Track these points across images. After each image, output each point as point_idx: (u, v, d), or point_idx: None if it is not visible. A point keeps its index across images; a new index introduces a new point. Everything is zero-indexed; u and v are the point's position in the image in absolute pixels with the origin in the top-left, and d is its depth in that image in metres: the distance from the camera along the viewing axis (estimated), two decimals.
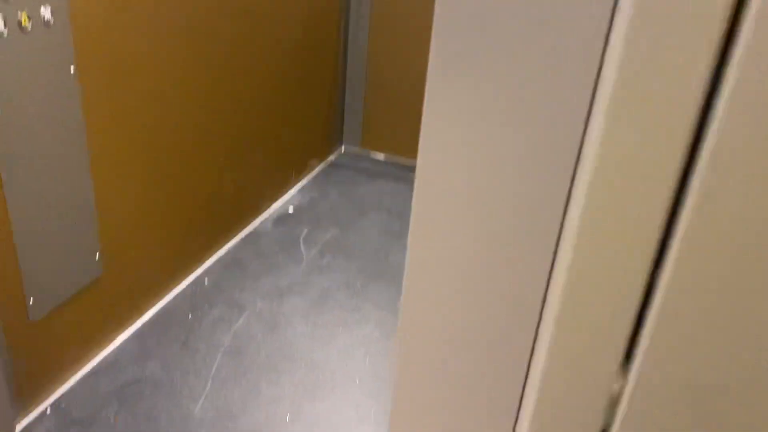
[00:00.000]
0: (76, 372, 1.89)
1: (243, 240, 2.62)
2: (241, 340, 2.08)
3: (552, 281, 0.51)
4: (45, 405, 1.78)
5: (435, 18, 0.46)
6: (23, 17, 1.40)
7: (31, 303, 1.65)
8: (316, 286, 2.38)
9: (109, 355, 1.98)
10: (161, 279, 2.23)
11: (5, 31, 1.37)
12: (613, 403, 0.52)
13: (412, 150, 3.22)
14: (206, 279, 2.37)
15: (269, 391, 1.89)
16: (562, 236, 0.49)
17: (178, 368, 1.95)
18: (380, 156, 3.38)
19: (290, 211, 2.86)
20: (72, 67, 1.58)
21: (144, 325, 2.12)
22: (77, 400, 1.81)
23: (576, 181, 0.47)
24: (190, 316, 2.17)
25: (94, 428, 1.72)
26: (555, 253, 0.50)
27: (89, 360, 1.94)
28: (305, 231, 2.71)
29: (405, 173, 3.23)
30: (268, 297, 2.30)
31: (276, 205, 2.88)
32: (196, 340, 2.07)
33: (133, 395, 1.84)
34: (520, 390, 0.57)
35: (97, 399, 1.81)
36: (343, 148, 3.44)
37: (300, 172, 3.09)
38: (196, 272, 2.40)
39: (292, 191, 3.00)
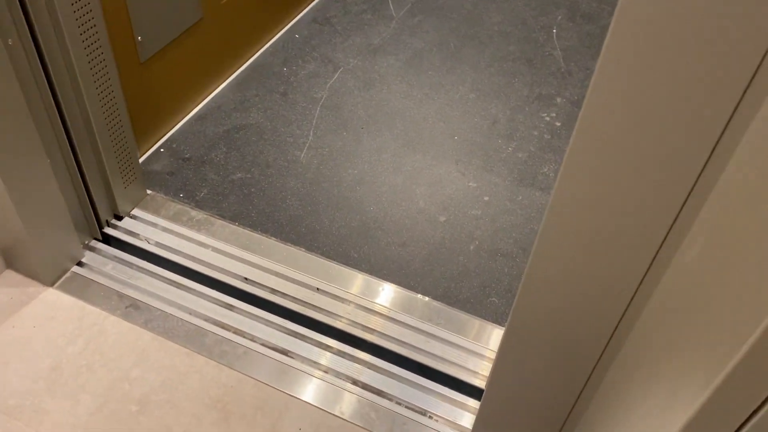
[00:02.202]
0: (183, 116, 1.93)
1: None
2: (338, 96, 2.07)
3: None
4: (158, 144, 1.85)
5: None
6: None
7: (139, 40, 1.63)
8: (408, 46, 2.29)
9: (212, 101, 2.00)
10: (255, 30, 2.17)
11: None
12: None
13: None
14: (296, 35, 2.30)
15: (370, 144, 1.91)
16: None
17: (279, 118, 1.97)
18: None
19: None
20: None
21: (241, 75, 2.11)
22: (187, 141, 1.86)
23: None
24: (285, 69, 2.14)
25: (205, 167, 1.79)
26: None
27: (194, 105, 1.97)
28: None
29: None
30: (360, 55, 2.23)
31: None
32: (294, 93, 2.06)
33: (240, 139, 1.88)
34: None
35: (206, 141, 1.87)
36: None
37: None
38: (286, 26, 2.33)
39: None
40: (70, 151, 1.40)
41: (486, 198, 1.78)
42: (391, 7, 2.48)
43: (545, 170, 1.87)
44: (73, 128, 1.37)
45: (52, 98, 1.30)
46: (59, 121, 1.34)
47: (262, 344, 1.41)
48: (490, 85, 2.16)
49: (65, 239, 1.46)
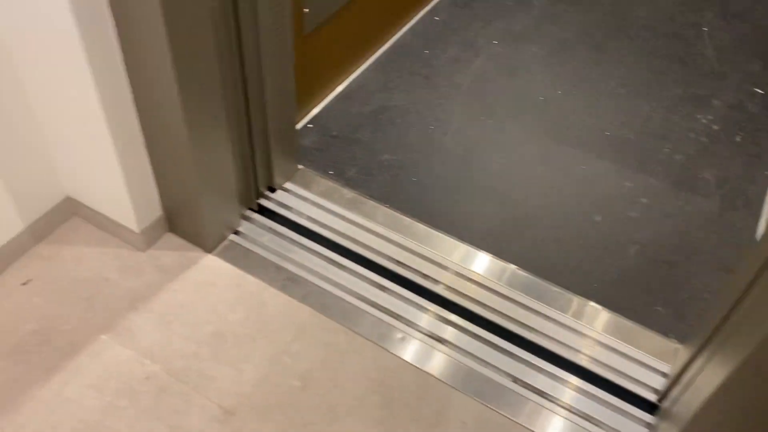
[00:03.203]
0: (329, 93, 1.91)
1: None
2: (481, 82, 2.01)
3: None
4: (306, 120, 1.83)
5: None
6: None
7: (306, 12, 1.61)
8: (551, 36, 2.21)
9: (355, 81, 1.97)
10: (397, 10, 2.13)
11: None
12: None
13: None
14: (436, 17, 2.25)
15: (515, 133, 1.85)
16: None
17: (423, 102, 1.92)
18: None
19: None
20: None
21: (383, 56, 2.07)
22: (334, 119, 1.84)
23: None
24: (426, 52, 2.10)
25: (353, 146, 1.77)
26: None
27: (339, 83, 1.94)
28: None
29: None
30: (502, 41, 2.17)
31: None
32: (437, 76, 2.01)
33: (385, 120, 1.85)
34: None
35: (352, 120, 1.84)
36: None
37: None
38: (425, 8, 2.28)
39: None
40: (246, 119, 1.39)
41: (644, 200, 1.69)
42: None
43: (705, 175, 1.76)
44: (250, 96, 1.36)
45: (239, 63, 1.29)
46: (242, 88, 1.33)
47: (418, 330, 1.38)
48: (640, 81, 2.06)
49: (228, 207, 1.46)
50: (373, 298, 1.42)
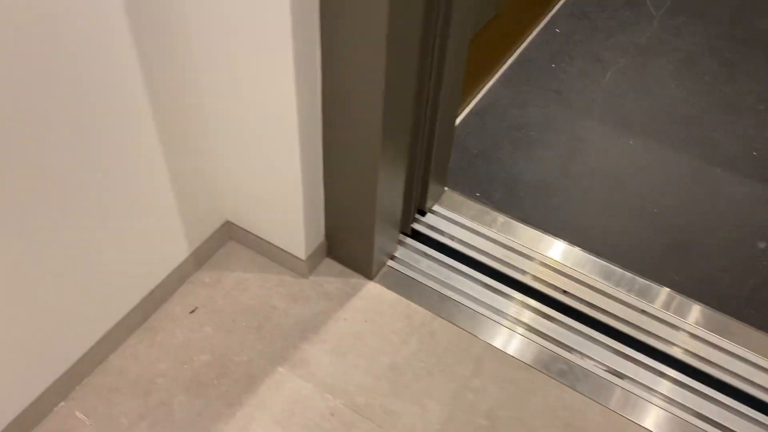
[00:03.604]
0: (465, 109, 1.86)
1: None
2: (614, 98, 1.94)
3: None
4: None
5: None
6: None
7: None
8: (677, 49, 2.13)
9: (486, 96, 1.92)
10: (520, 24, 2.08)
11: None
12: None
13: None
14: (556, 29, 2.18)
15: (660, 153, 1.78)
16: None
17: (558, 118, 1.86)
18: None
19: None
20: None
21: (509, 70, 2.01)
22: (471, 136, 1.79)
23: None
24: (553, 66, 2.03)
25: (494, 165, 1.71)
26: None
27: (473, 99, 1.89)
28: None
29: None
30: (627, 54, 2.09)
31: None
32: (568, 91, 1.95)
33: (522, 138, 1.79)
34: None
35: (489, 137, 1.79)
36: None
37: None
38: (544, 20, 2.21)
39: None
40: (422, 142, 1.34)
41: None
42: (649, 5, 2.31)
43: None
44: (427, 117, 1.31)
45: (433, 87, 1.24)
46: (427, 110, 1.28)
47: (595, 364, 1.32)
48: None
49: (390, 233, 1.42)
50: (543, 330, 1.37)
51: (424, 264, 1.47)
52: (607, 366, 1.31)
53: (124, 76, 1.01)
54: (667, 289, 1.45)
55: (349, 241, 1.39)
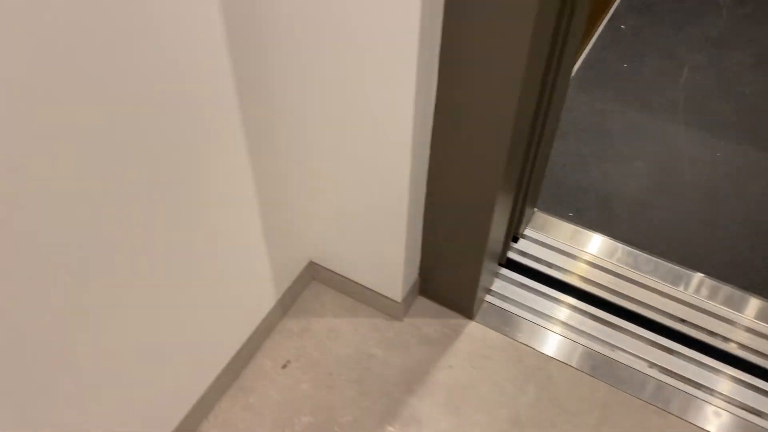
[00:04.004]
0: None
1: None
2: (697, 98, 1.80)
3: None
4: None
5: None
6: None
7: None
8: (753, 41, 1.99)
9: None
10: (588, 21, 1.94)
11: None
12: None
13: None
14: (621, 25, 2.05)
15: (756, 156, 1.65)
16: None
17: (641, 124, 1.73)
18: None
19: None
20: None
21: (579, 72, 1.88)
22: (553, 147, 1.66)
23: None
24: (625, 66, 1.90)
25: (582, 180, 1.58)
26: None
27: None
28: None
29: None
30: (702, 49, 1.96)
31: None
32: (646, 93, 1.81)
33: (608, 148, 1.66)
34: None
35: (571, 147, 1.66)
36: None
37: None
38: (606, 17, 2.08)
39: None
40: (530, 161, 1.22)
41: None
42: None
43: None
44: (538, 135, 1.19)
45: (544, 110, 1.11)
46: (540, 127, 1.16)
47: (726, 401, 1.20)
48: None
49: (489, 266, 1.30)
50: (664, 364, 1.25)
51: (525, 296, 1.35)
52: (741, 402, 1.19)
53: (222, 116, 0.88)
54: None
55: (447, 279, 1.27)
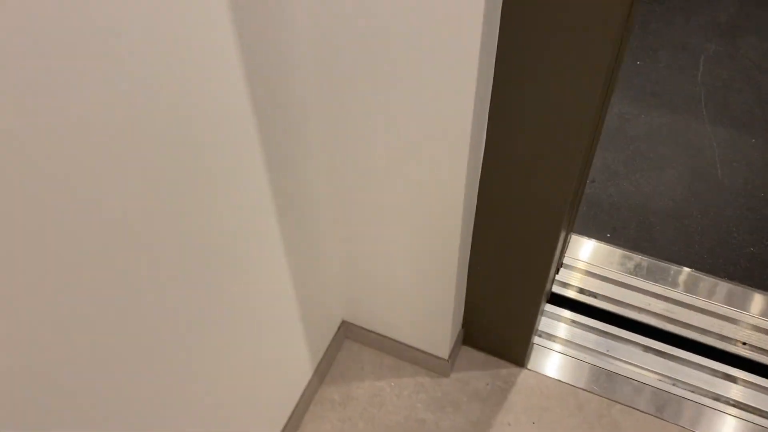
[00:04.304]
0: None
1: None
2: (718, 91, 1.72)
3: None
4: None
5: None
6: None
7: None
8: (765, 22, 1.90)
9: None
10: None
11: None
12: None
13: None
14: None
15: None
16: None
17: (666, 125, 1.64)
18: None
19: None
20: None
21: None
22: None
23: None
24: (639, 63, 1.81)
25: (614, 194, 1.49)
26: None
27: None
28: None
29: None
30: (714, 37, 1.87)
31: None
32: (664, 92, 1.72)
33: (634, 155, 1.57)
34: None
35: (596, 160, 1.56)
36: None
37: None
38: None
39: None
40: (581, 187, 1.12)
41: None
42: None
43: None
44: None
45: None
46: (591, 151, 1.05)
47: None
48: None
49: (537, 306, 1.20)
50: (739, 399, 1.16)
51: (574, 333, 1.26)
52: None
53: (251, 183, 0.77)
54: None
55: (496, 326, 1.17)
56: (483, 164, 0.91)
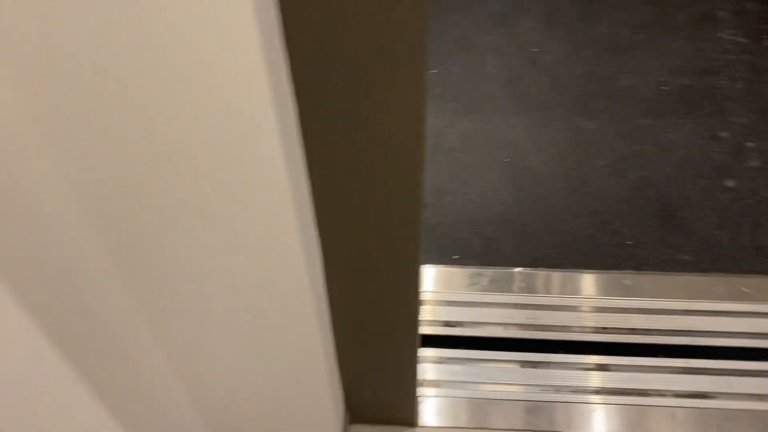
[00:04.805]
0: None
1: None
2: (514, 82, 1.78)
3: None
4: None
5: None
6: None
7: None
8: (535, 5, 2.01)
9: None
10: None
11: None
12: None
13: None
14: None
15: (589, 128, 1.66)
16: None
17: (466, 124, 1.67)
18: None
19: None
20: None
21: None
22: None
23: None
24: (435, 71, 1.82)
25: (444, 210, 1.49)
26: None
27: None
28: None
29: None
30: (496, 29, 1.94)
31: None
32: (467, 97, 1.75)
33: (454, 165, 1.58)
34: None
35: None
36: None
37: None
38: None
39: None
40: None
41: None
42: None
43: None
44: None
45: None
46: None
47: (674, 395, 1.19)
48: (652, 18, 1.94)
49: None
50: (617, 385, 1.21)
51: (454, 371, 1.24)
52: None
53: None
54: (684, 276, 1.35)
55: (378, 394, 1.11)
56: (320, 239, 0.83)
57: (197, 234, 0.67)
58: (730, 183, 1.52)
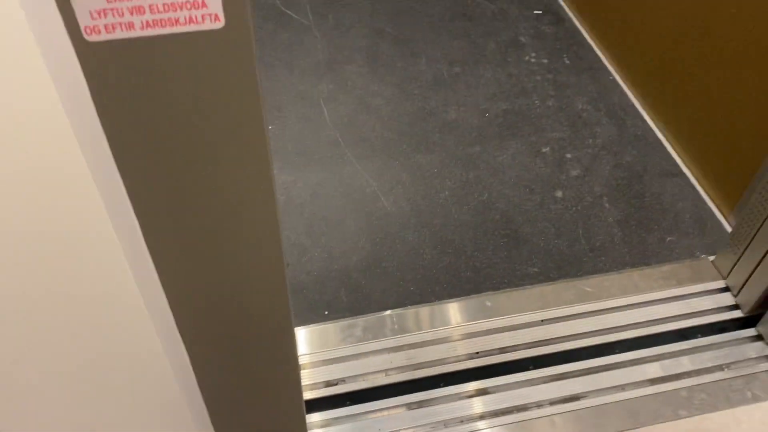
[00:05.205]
0: None
1: None
2: (348, 128, 1.83)
3: None
4: None
5: None
6: None
7: None
8: (354, 48, 2.09)
9: None
10: None
11: None
12: None
13: None
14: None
15: (407, 168, 1.74)
16: None
17: (319, 174, 1.69)
18: None
19: None
20: None
21: None
22: None
23: None
24: (271, 128, 1.82)
25: (310, 261, 1.49)
26: None
27: None
28: None
29: None
30: (325, 76, 1.98)
31: None
32: (304, 149, 1.77)
33: (295, 210, 1.59)
34: None
35: None
36: None
37: None
38: None
39: None
40: None
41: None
42: (302, 19, 2.21)
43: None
44: None
45: None
46: None
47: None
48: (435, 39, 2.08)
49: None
50: (498, 406, 1.26)
51: (344, 431, 1.23)
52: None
53: None
54: (536, 288, 1.46)
55: None
56: (178, 328, 0.80)
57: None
58: (558, 194, 1.67)
